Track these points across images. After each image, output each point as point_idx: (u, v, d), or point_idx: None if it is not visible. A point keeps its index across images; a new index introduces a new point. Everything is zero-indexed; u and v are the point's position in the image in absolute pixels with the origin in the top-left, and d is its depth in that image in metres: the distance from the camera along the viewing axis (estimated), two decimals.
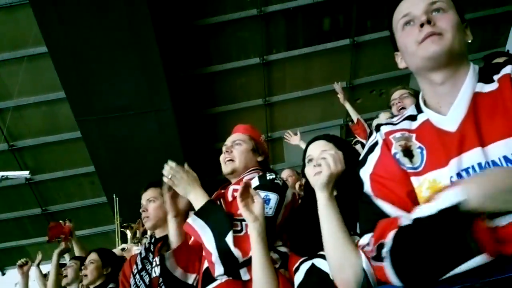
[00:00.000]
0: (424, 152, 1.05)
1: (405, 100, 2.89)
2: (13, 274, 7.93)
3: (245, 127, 1.95)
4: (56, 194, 7.01)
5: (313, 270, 1.35)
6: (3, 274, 8.05)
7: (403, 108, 2.82)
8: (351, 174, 1.48)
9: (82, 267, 2.31)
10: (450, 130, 1.03)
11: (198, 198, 1.60)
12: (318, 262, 1.36)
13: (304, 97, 5.70)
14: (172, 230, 1.74)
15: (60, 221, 3.62)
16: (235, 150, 1.79)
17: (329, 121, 5.98)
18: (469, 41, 1.21)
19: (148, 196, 2.07)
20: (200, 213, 1.55)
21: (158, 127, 5.55)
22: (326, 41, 5.17)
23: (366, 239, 1.08)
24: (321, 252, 1.33)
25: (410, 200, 1.00)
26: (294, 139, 4.46)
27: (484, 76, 1.07)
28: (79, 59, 4.99)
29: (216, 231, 1.45)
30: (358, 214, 1.34)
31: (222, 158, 1.84)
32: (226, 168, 1.79)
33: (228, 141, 1.85)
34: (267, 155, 1.95)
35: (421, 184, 0.99)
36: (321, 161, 1.31)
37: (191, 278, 1.68)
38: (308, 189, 1.51)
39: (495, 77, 1.05)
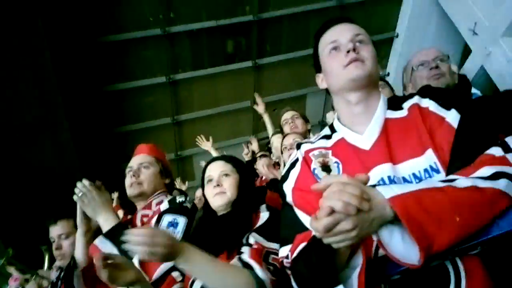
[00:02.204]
0: (340, 166, 1.19)
1: (296, 120, 3.22)
2: None
3: (149, 147, 1.94)
4: None
5: None
6: None
7: (295, 127, 3.12)
8: (248, 192, 1.59)
9: None
10: (365, 148, 1.18)
11: (107, 221, 1.57)
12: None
13: (212, 115, 5.82)
14: (80, 248, 1.67)
15: None
16: (142, 174, 1.77)
17: (236, 138, 6.19)
18: (380, 73, 1.41)
19: (59, 232, 1.92)
20: (109, 235, 1.52)
21: (54, 151, 5.16)
22: (230, 62, 5.38)
23: (285, 251, 1.16)
24: None
25: None
26: (206, 144, 4.55)
27: (392, 104, 1.25)
28: None
29: (123, 253, 1.42)
30: (248, 227, 1.46)
31: (128, 181, 1.80)
32: (133, 191, 1.77)
33: (134, 164, 1.82)
34: (172, 176, 1.97)
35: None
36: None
37: None
38: (207, 208, 1.59)
39: (404, 105, 1.22)
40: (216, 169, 1.62)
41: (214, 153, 4.60)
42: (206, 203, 1.61)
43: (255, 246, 1.35)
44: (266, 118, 4.35)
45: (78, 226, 1.67)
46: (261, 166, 2.86)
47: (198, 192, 3.44)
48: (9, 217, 5.62)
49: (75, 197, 1.62)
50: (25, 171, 5.31)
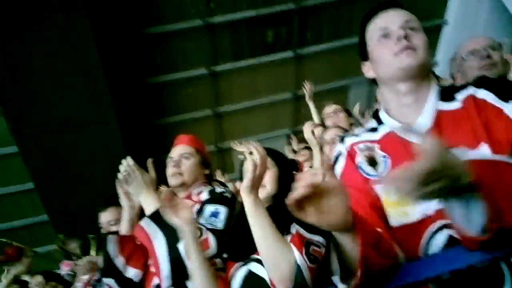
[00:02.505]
0: (388, 160, 1.12)
1: (339, 114, 3.06)
2: None
3: (189, 138, 1.93)
4: None
5: (250, 276, 1.38)
6: None
7: (338, 121, 2.96)
8: (289, 185, 1.55)
9: None
10: (415, 141, 1.10)
11: (149, 201, 1.59)
12: (254, 267, 1.39)
13: (251, 107, 5.79)
14: (124, 224, 1.68)
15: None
16: (183, 165, 1.77)
17: (276, 130, 6.11)
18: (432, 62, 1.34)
19: (109, 218, 1.98)
20: (154, 217, 1.51)
21: (103, 140, 5.36)
22: (270, 52, 5.30)
23: None
24: (257, 256, 1.38)
25: (372, 210, 1.06)
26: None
27: (445, 95, 1.16)
28: (15, 71, 4.73)
29: (168, 237, 1.44)
30: (290, 220, 1.40)
31: (169, 171, 1.81)
32: (175, 181, 1.78)
33: (175, 154, 1.82)
34: (211, 167, 1.96)
35: (388, 190, 1.04)
36: (245, 166, 1.36)
37: (130, 272, 1.59)
38: None
39: (458, 96, 1.14)
40: None
41: (313, 110, 4.13)
42: None
43: (295, 234, 1.35)
44: (312, 106, 4.15)
45: (122, 203, 1.69)
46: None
47: (238, 185, 3.39)
48: (59, 205, 5.96)
49: (119, 175, 1.65)
50: (74, 160, 5.57)
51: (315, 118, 4.18)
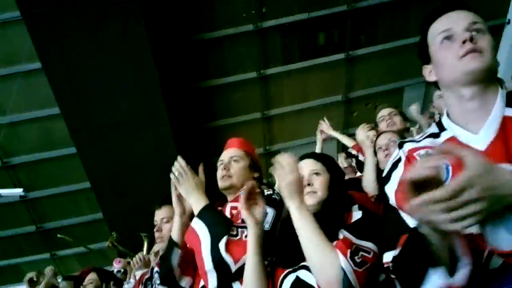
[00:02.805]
0: (450, 168, 1.07)
1: (394, 117, 2.92)
2: None
3: (240, 141, 1.94)
4: (51, 211, 6.91)
5: (298, 283, 1.37)
6: None
7: (393, 124, 2.84)
8: (340, 191, 1.55)
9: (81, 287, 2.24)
10: (480, 148, 1.04)
11: (199, 202, 1.61)
12: (302, 274, 1.38)
13: (301, 110, 5.73)
14: (175, 229, 1.71)
15: None
16: (232, 168, 1.78)
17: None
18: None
19: (162, 215, 2.02)
20: (201, 215, 1.54)
21: (155, 143, 5.52)
22: (321, 55, 5.21)
23: (390, 256, 1.12)
24: (305, 263, 1.37)
25: None
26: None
27: None
28: (74, 75, 4.95)
29: (213, 234, 1.45)
30: (340, 225, 1.39)
31: (219, 174, 1.83)
32: (223, 183, 1.80)
33: (225, 157, 1.84)
34: (261, 170, 1.96)
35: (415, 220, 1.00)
36: (276, 174, 1.34)
37: (184, 281, 1.66)
38: None
39: None
40: (306, 168, 1.56)
41: (341, 138, 3.70)
42: None
43: (342, 238, 1.35)
44: (338, 135, 3.76)
45: (174, 207, 1.72)
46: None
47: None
48: (114, 204, 6.21)
49: (171, 175, 1.68)
50: (129, 161, 5.77)
51: (347, 142, 4.01)
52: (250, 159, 1.85)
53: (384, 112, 3.07)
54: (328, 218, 1.42)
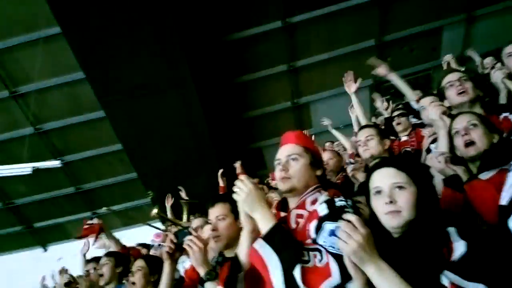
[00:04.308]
0: None
1: (465, 83, 2.45)
2: (55, 250, 8.37)
3: (297, 135, 1.65)
4: (88, 173, 7.14)
5: None
6: (45, 250, 8.45)
7: (464, 92, 2.42)
8: (429, 210, 1.24)
9: (129, 274, 2.23)
10: None
11: (264, 219, 1.38)
12: None
13: (330, 59, 5.42)
14: (245, 248, 1.58)
15: (89, 222, 3.61)
16: (291, 168, 1.53)
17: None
18: None
19: (217, 213, 1.87)
20: (268, 238, 1.35)
21: (181, 102, 5.43)
22: None
23: None
24: None
25: None
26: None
27: None
28: (95, 38, 4.81)
29: (285, 262, 1.27)
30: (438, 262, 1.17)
31: (277, 175, 1.63)
32: (283, 186, 1.53)
33: (282, 156, 1.57)
34: (324, 166, 1.72)
35: None
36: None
37: None
38: (375, 222, 1.30)
39: None
40: (386, 180, 1.27)
41: (402, 85, 2.94)
42: (373, 215, 1.28)
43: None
44: (399, 81, 3.18)
45: (243, 225, 1.58)
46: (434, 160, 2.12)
47: (324, 157, 2.96)
48: (146, 163, 6.31)
49: (234, 193, 1.52)
50: (156, 122, 5.76)
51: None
52: (311, 155, 1.61)
53: (452, 77, 2.51)
54: (416, 245, 1.17)
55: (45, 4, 4.50)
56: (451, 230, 1.18)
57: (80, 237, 3.56)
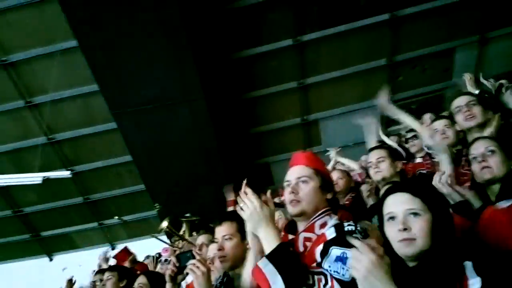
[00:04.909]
0: None
1: (473, 108, 2.40)
2: (60, 259, 8.38)
3: (307, 157, 1.62)
4: (97, 183, 7.19)
5: None
6: (51, 260, 8.46)
7: (472, 117, 2.38)
8: (445, 239, 1.20)
9: None
10: None
11: (269, 238, 1.35)
12: None
13: (340, 77, 5.44)
14: (250, 262, 1.55)
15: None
16: (301, 191, 1.51)
17: (367, 101, 5.69)
18: None
19: (223, 232, 1.82)
20: (273, 257, 1.31)
21: (192, 116, 5.48)
22: (363, 17, 4.84)
23: None
24: None
25: None
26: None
27: None
28: (110, 52, 4.92)
29: (289, 284, 1.24)
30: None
31: (286, 198, 1.60)
32: (293, 210, 1.50)
33: (291, 177, 1.54)
34: (334, 189, 1.70)
35: None
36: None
37: None
38: (389, 249, 1.25)
39: None
40: (400, 206, 1.23)
41: (407, 119, 2.86)
42: (387, 242, 1.24)
43: None
44: (402, 115, 2.85)
45: (250, 246, 1.54)
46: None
47: (333, 176, 2.87)
48: (155, 176, 6.34)
49: (238, 208, 1.48)
50: (167, 135, 5.80)
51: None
52: (321, 178, 1.58)
53: (460, 102, 2.47)
54: (433, 276, 1.14)
55: (63, 18, 4.63)
56: (468, 264, 1.14)
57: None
